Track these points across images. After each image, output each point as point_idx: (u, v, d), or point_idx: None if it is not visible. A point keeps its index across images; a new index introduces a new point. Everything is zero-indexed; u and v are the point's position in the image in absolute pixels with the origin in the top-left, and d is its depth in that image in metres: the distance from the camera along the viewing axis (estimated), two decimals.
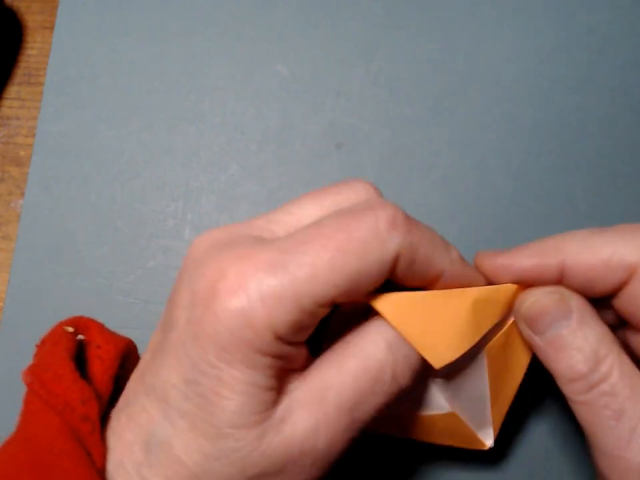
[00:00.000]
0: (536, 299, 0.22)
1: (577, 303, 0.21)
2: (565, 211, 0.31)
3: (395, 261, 0.19)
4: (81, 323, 0.24)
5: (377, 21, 0.34)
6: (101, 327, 0.24)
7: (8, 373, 0.29)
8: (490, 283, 0.23)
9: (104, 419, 0.21)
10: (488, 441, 0.25)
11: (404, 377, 0.20)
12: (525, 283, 0.23)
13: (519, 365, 0.24)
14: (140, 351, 0.26)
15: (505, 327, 0.23)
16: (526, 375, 0.24)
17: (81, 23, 0.34)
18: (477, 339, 0.22)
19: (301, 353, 0.20)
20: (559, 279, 0.22)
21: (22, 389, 0.21)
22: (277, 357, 0.19)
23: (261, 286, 0.18)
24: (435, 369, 0.21)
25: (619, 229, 0.22)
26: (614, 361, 0.20)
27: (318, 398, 0.19)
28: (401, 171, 0.32)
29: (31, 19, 0.35)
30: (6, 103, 0.34)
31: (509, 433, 0.28)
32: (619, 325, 0.24)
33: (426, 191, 0.32)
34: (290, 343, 0.19)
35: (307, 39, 0.34)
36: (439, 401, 0.25)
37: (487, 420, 0.25)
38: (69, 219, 0.31)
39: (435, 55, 0.33)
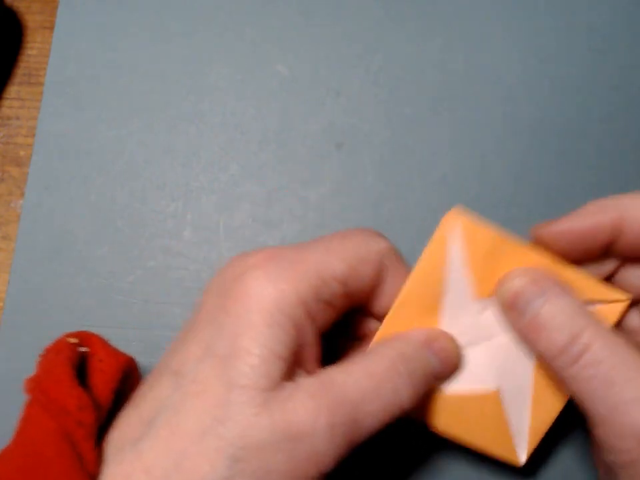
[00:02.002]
0: (509, 285, 0.23)
1: (548, 282, 0.22)
2: (564, 210, 0.31)
3: (382, 256, 0.23)
4: (84, 336, 0.24)
5: (377, 20, 0.34)
6: (104, 341, 0.24)
7: (8, 373, 0.29)
8: (553, 252, 0.23)
9: (104, 430, 0.21)
10: (522, 455, 0.23)
11: (404, 394, 0.21)
12: (579, 246, 0.23)
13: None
14: (140, 369, 0.26)
15: None
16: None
17: (81, 23, 0.34)
18: None
19: (315, 346, 0.21)
20: (611, 239, 0.23)
21: (22, 389, 0.21)
22: (297, 326, 0.20)
23: (286, 258, 0.21)
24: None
25: None
26: (594, 331, 0.21)
27: (323, 389, 0.20)
28: (401, 171, 0.32)
29: (31, 19, 0.35)
30: (6, 103, 0.34)
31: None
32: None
33: (426, 191, 0.32)
34: (309, 316, 0.21)
35: (307, 39, 0.34)
36: (483, 371, 0.23)
37: (524, 425, 0.23)
38: (69, 219, 0.31)
39: (434, 55, 0.33)
